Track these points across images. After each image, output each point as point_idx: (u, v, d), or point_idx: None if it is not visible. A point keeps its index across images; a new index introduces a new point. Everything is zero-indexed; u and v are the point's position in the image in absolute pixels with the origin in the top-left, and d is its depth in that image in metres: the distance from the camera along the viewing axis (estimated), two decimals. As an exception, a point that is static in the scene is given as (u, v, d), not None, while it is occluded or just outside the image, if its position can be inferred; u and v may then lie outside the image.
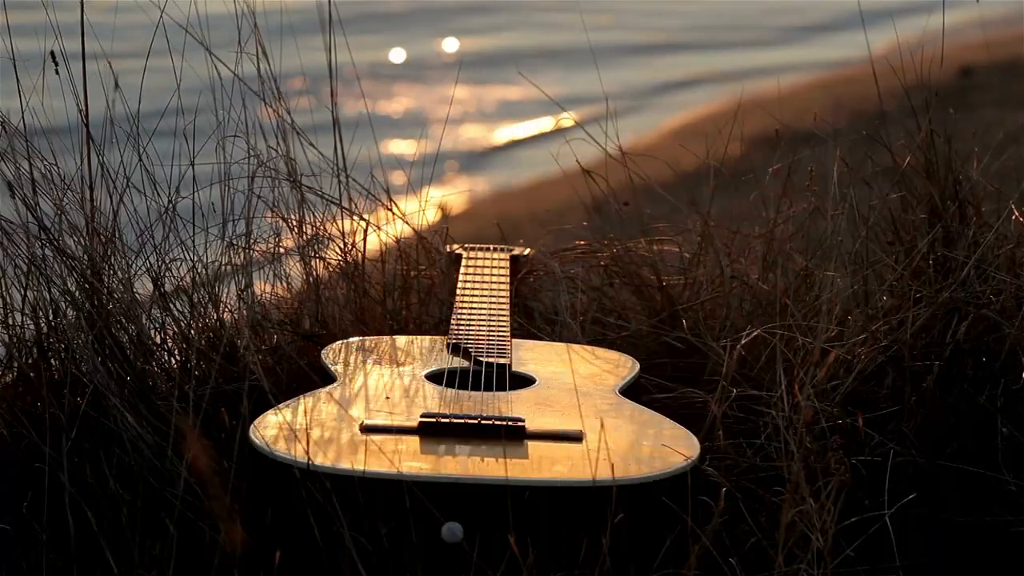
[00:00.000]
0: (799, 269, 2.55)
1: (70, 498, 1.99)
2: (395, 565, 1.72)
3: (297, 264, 2.58)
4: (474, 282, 2.51)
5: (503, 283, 2.51)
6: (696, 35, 9.98)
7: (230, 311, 2.42)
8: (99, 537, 1.96)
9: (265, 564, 1.77)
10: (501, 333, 2.25)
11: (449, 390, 2.04)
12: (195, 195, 2.43)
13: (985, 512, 2.13)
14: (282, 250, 2.55)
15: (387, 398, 1.99)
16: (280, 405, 1.92)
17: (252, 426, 1.85)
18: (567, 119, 2.79)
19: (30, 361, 2.30)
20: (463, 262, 2.62)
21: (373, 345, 2.25)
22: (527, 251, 2.74)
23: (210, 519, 1.93)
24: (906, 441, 2.19)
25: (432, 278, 2.69)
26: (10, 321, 2.31)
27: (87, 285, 2.26)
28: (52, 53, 2.32)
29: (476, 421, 1.85)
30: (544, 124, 7.34)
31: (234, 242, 2.46)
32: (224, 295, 2.42)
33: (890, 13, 2.96)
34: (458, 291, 2.47)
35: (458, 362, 2.15)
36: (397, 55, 9.07)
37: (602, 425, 1.88)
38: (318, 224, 2.58)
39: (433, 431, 1.85)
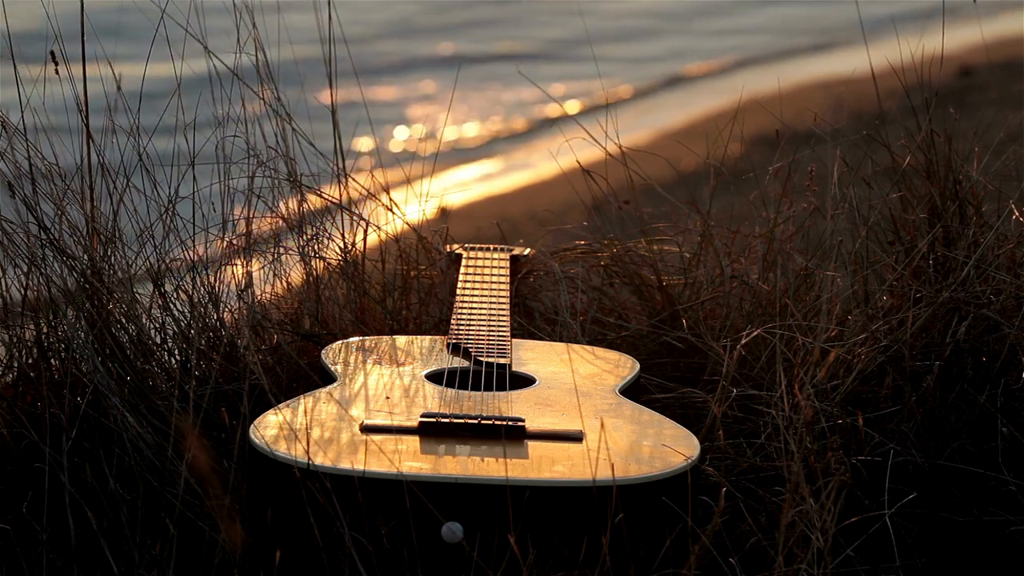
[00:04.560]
0: (799, 269, 2.55)
1: (70, 498, 1.99)
2: (395, 565, 1.72)
3: (297, 264, 2.58)
4: (474, 282, 2.51)
5: (503, 283, 2.51)
6: (697, 33, 9.98)
7: (230, 311, 2.42)
8: (99, 537, 1.96)
9: (265, 564, 1.77)
10: (501, 333, 2.25)
11: (449, 390, 2.04)
12: (195, 195, 2.43)
13: (985, 512, 2.13)
14: (282, 250, 2.55)
15: (387, 398, 1.99)
16: (280, 405, 1.92)
17: (252, 426, 1.85)
18: (567, 118, 2.78)
19: (30, 361, 2.30)
20: (463, 262, 2.62)
21: (373, 345, 2.25)
22: (527, 251, 2.74)
23: (210, 519, 1.93)
24: (906, 441, 2.19)
25: (432, 278, 2.69)
26: (10, 321, 2.31)
27: (87, 285, 2.26)
28: (52, 53, 2.32)
29: (476, 421, 1.85)
30: (544, 124, 7.34)
31: (234, 242, 2.46)
32: (224, 295, 2.42)
33: (890, 13, 2.96)
34: (458, 291, 2.47)
35: (458, 362, 2.15)
36: (398, 55, 9.07)
37: (602, 425, 1.88)
38: (318, 224, 2.58)
39: (433, 431, 1.85)
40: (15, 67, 2.34)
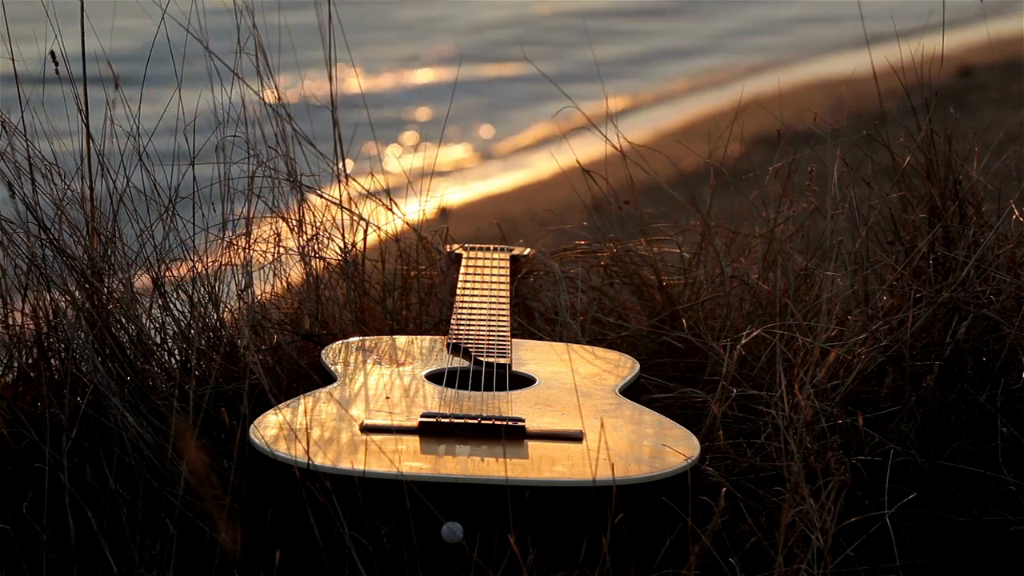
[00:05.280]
0: (799, 269, 2.55)
1: (70, 498, 1.99)
2: (395, 565, 1.72)
3: (297, 264, 2.58)
4: (474, 282, 2.51)
5: (503, 283, 2.51)
6: (697, 34, 9.97)
7: (230, 311, 2.42)
8: (99, 537, 1.96)
9: (265, 564, 1.77)
10: (501, 333, 2.25)
11: (449, 390, 2.04)
12: (195, 195, 2.43)
13: (985, 512, 2.13)
14: (282, 250, 2.55)
15: (387, 398, 1.99)
16: (280, 405, 1.92)
17: (252, 426, 1.85)
18: (570, 109, 2.78)
19: (30, 361, 2.30)
20: (463, 262, 2.62)
21: (373, 345, 2.25)
22: (527, 251, 2.74)
23: (210, 519, 1.93)
24: (906, 441, 2.19)
25: (432, 278, 2.69)
26: (10, 321, 2.31)
27: (87, 285, 2.26)
28: (52, 53, 2.32)
29: (476, 421, 1.85)
30: (544, 123, 7.34)
31: (234, 242, 2.46)
32: (224, 295, 2.42)
33: (890, 13, 2.96)
34: (458, 291, 2.47)
35: (458, 362, 2.15)
36: (397, 54, 9.07)
37: (602, 425, 1.88)
38: (318, 224, 2.58)
39: (433, 431, 1.85)
40: (15, 68, 2.34)
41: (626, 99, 7.94)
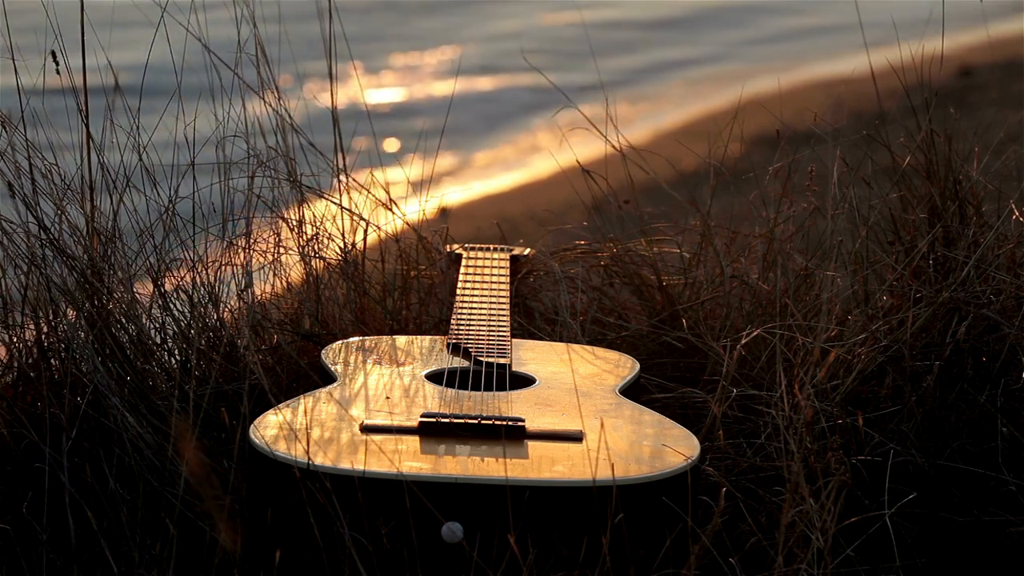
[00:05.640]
0: (799, 269, 2.55)
1: (70, 498, 1.99)
2: (395, 565, 1.72)
3: (297, 264, 2.58)
4: (474, 282, 2.51)
5: (503, 283, 2.51)
6: (695, 34, 9.98)
7: (230, 311, 2.42)
8: (99, 537, 1.96)
9: (265, 564, 1.77)
10: (501, 333, 2.25)
11: (449, 390, 2.04)
12: (195, 195, 2.43)
13: (985, 512, 2.13)
14: (282, 250, 2.55)
15: (387, 398, 1.99)
16: (280, 405, 1.92)
17: (252, 426, 1.85)
18: (570, 110, 2.79)
19: (30, 361, 2.30)
20: (463, 262, 2.62)
21: (373, 345, 2.25)
22: (527, 251, 2.74)
23: (210, 519, 1.93)
24: (906, 441, 2.19)
25: (432, 278, 2.69)
26: (10, 321, 2.31)
27: (87, 285, 2.26)
28: (52, 52, 2.32)
29: (476, 421, 1.85)
30: (544, 124, 7.34)
31: (234, 242, 2.46)
32: (224, 295, 2.42)
33: (890, 13, 2.96)
34: (458, 291, 2.47)
35: (458, 362, 2.15)
36: (397, 55, 9.07)
37: (602, 425, 1.88)
38: (318, 224, 2.59)
39: (433, 431, 1.85)
40: (15, 68, 2.34)
41: (627, 102, 7.95)
